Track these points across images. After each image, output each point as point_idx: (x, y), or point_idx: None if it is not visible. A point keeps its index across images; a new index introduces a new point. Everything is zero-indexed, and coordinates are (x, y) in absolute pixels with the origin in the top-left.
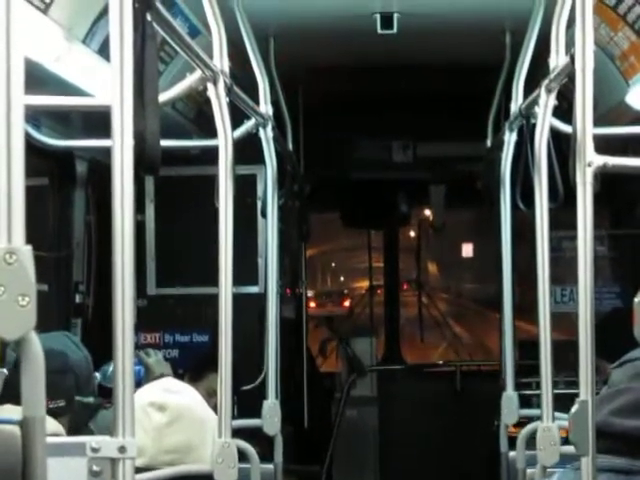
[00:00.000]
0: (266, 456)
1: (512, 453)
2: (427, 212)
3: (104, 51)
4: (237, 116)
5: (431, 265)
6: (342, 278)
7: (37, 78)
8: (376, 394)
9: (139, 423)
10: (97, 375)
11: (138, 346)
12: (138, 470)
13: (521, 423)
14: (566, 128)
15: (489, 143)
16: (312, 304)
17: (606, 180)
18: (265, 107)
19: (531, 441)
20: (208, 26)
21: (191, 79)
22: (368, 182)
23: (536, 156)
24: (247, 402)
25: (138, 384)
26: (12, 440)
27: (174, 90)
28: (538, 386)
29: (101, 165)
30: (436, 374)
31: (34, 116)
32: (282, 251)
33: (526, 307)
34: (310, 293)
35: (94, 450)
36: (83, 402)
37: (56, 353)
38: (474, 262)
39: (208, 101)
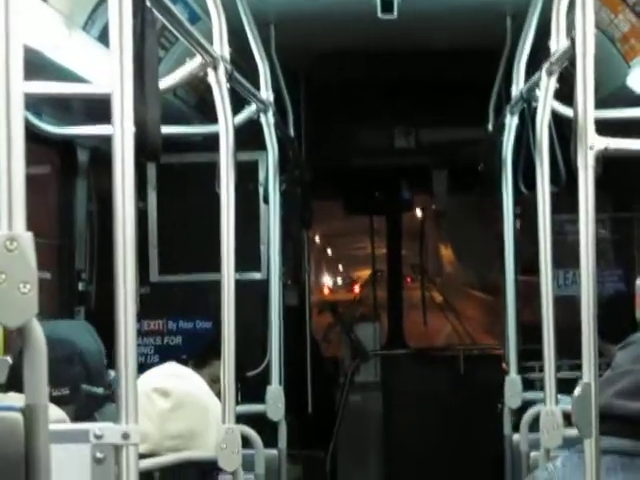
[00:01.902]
0: (270, 442)
1: (516, 436)
2: (430, 197)
3: (104, 38)
4: (238, 102)
5: (435, 252)
6: (348, 265)
7: (37, 66)
8: (380, 379)
9: (143, 409)
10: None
11: (141, 333)
12: (142, 456)
13: (525, 406)
14: (567, 111)
15: (490, 127)
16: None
17: (608, 163)
18: (266, 93)
19: (535, 424)
20: (208, 12)
21: (191, 65)
22: (370, 168)
23: (538, 139)
24: (251, 388)
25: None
26: (15, 427)
27: (174, 76)
28: (541, 369)
29: (102, 152)
30: (440, 358)
31: (35, 104)
32: (285, 237)
33: None
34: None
35: (97, 437)
36: (91, 391)
37: (63, 341)
38: (477, 247)
39: (209, 87)
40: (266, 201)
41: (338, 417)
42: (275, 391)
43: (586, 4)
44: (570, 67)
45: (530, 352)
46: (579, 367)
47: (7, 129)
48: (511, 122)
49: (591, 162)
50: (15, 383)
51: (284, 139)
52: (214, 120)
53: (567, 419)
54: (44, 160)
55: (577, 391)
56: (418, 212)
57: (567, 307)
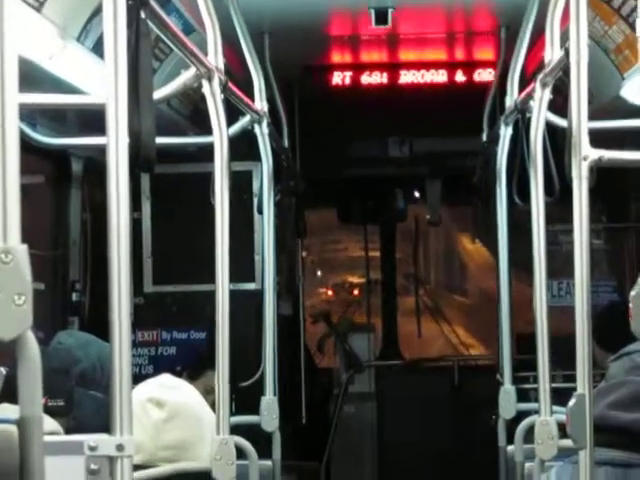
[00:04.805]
0: (264, 453)
1: (510, 447)
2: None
3: (98, 49)
4: (233, 113)
5: (428, 261)
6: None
7: (31, 77)
8: (374, 390)
9: (137, 420)
10: None
11: (135, 344)
12: (136, 467)
13: (519, 417)
14: (561, 122)
15: (485, 138)
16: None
17: (602, 173)
18: (260, 103)
19: (529, 435)
20: (202, 23)
21: (186, 76)
22: (364, 178)
23: (532, 150)
24: (245, 399)
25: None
26: (9, 439)
27: (169, 87)
28: (536, 380)
29: (97, 163)
30: (434, 369)
31: (29, 115)
32: (279, 247)
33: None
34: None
35: (92, 448)
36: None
37: (60, 350)
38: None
39: (203, 98)
40: (260, 211)
41: (332, 428)
42: (269, 402)
43: (580, 15)
44: (564, 78)
45: (524, 362)
46: (573, 378)
47: (2, 140)
48: (505, 133)
49: (585, 173)
50: (9, 394)
51: (278, 149)
52: (208, 130)
53: (562, 430)
54: (37, 170)
55: (572, 402)
56: (412, 221)
57: (561, 317)
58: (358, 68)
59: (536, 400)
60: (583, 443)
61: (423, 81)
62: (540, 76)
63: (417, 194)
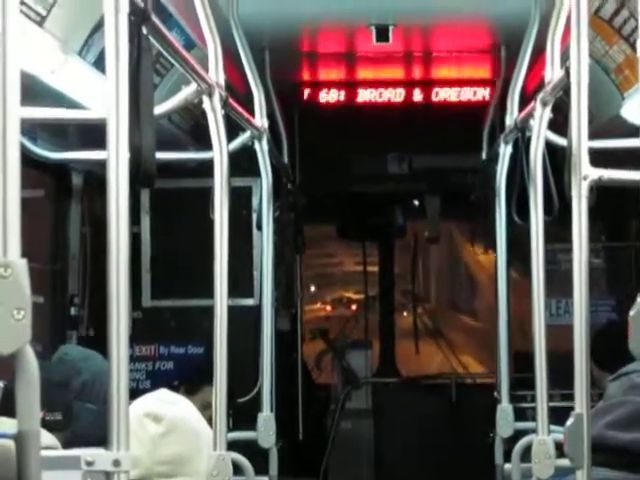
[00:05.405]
0: (261, 469)
1: (507, 466)
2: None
3: (100, 64)
4: (233, 128)
5: (428, 278)
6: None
7: (33, 91)
8: (371, 406)
9: (134, 434)
10: None
11: (133, 358)
12: None
13: (516, 435)
14: (561, 141)
15: (484, 155)
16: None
17: (601, 192)
18: (260, 120)
19: (526, 454)
20: (204, 38)
21: (187, 92)
22: (363, 194)
23: (531, 169)
24: (242, 414)
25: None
26: (7, 454)
27: (170, 102)
28: (533, 399)
29: (97, 177)
30: (431, 386)
31: (30, 129)
32: (277, 263)
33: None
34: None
35: (89, 464)
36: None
37: (61, 363)
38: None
39: (204, 113)
40: (259, 227)
41: (329, 444)
42: (266, 418)
43: (581, 34)
44: (564, 97)
45: (522, 381)
46: (571, 397)
47: (3, 154)
48: (505, 151)
49: (585, 192)
50: (8, 408)
51: (278, 165)
52: (208, 145)
53: (559, 449)
54: (38, 184)
55: (569, 421)
56: (411, 238)
57: (559, 336)
58: (358, 84)
59: (534, 419)
60: (580, 463)
61: (423, 97)
62: (540, 95)
63: (416, 210)
